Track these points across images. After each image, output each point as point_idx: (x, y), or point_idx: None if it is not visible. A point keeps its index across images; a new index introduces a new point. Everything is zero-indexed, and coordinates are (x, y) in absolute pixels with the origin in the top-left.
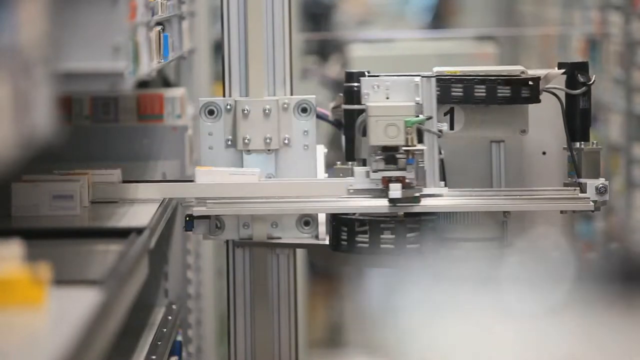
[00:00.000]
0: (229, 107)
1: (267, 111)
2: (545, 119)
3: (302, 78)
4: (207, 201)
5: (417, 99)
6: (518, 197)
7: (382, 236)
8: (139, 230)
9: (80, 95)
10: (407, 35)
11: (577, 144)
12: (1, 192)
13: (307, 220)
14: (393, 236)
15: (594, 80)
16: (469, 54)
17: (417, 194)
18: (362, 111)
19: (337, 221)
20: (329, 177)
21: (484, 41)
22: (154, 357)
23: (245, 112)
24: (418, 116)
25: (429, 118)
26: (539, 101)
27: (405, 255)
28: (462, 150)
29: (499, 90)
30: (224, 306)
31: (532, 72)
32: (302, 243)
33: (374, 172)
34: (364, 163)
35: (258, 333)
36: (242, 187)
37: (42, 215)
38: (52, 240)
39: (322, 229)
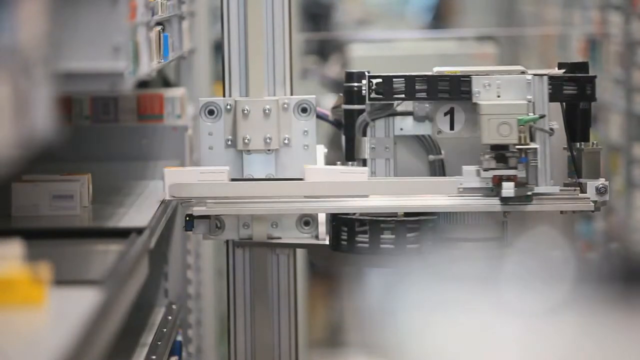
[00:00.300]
0: (229, 107)
1: (267, 111)
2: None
3: (302, 78)
4: (207, 201)
5: (529, 97)
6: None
7: (382, 236)
8: (139, 230)
9: (80, 95)
10: (407, 35)
11: (577, 144)
12: (1, 192)
13: (307, 220)
14: (393, 236)
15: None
16: (469, 54)
17: (529, 193)
18: (362, 111)
19: (337, 221)
20: None
21: (484, 41)
22: (154, 357)
23: (245, 112)
24: (529, 115)
25: (542, 116)
26: (596, 100)
27: (405, 255)
28: (462, 150)
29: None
30: (224, 306)
31: (532, 72)
32: (302, 243)
33: (484, 170)
34: (364, 163)
35: (258, 333)
36: (352, 186)
37: (42, 215)
38: (52, 240)
39: (322, 229)
